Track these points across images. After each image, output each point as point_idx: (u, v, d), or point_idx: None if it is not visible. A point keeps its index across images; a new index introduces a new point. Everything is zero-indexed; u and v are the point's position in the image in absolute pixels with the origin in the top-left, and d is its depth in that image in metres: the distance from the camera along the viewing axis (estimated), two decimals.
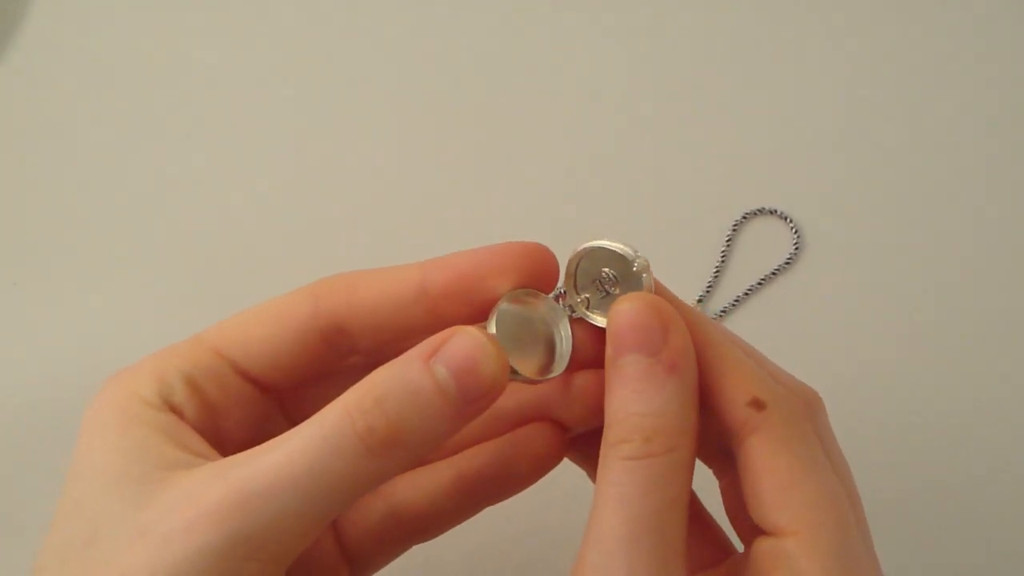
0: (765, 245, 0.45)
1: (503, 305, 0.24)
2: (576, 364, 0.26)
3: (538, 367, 0.25)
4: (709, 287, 0.44)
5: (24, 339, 0.44)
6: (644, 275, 0.25)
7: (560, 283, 0.26)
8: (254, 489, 0.21)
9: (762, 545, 0.23)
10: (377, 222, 0.47)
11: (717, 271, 0.44)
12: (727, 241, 0.45)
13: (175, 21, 0.54)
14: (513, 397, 0.27)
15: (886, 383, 0.41)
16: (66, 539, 0.22)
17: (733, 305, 0.44)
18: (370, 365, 0.23)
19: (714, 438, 0.25)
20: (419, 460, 0.23)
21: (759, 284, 0.44)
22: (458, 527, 0.28)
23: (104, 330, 0.44)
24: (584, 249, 0.25)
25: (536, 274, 0.25)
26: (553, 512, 0.37)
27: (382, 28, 0.53)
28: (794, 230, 0.45)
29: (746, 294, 0.44)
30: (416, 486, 0.27)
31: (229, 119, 0.50)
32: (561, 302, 0.26)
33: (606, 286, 0.25)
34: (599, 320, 0.25)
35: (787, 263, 0.44)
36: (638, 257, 0.25)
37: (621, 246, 0.25)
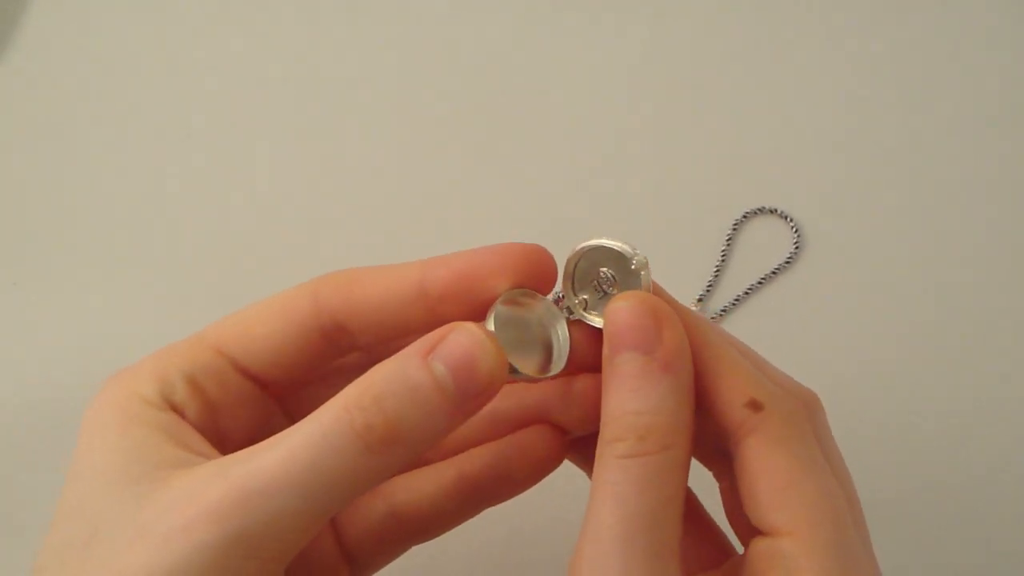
0: (765, 244, 0.45)
1: (500, 305, 0.24)
2: (576, 366, 0.26)
3: (536, 367, 0.25)
4: (709, 286, 0.44)
5: (24, 339, 0.44)
6: (643, 272, 0.25)
7: (558, 285, 0.26)
8: (255, 487, 0.21)
9: (759, 545, 0.23)
10: (377, 221, 0.47)
11: (717, 270, 0.44)
12: (727, 240, 0.45)
13: (175, 21, 0.54)
14: (514, 399, 0.27)
15: (886, 383, 0.41)
16: (66, 539, 0.22)
17: (733, 304, 0.44)
18: (369, 361, 0.23)
19: (712, 440, 0.25)
20: (418, 457, 0.23)
21: (759, 283, 0.44)
22: (458, 527, 0.28)
23: (104, 330, 0.44)
24: (582, 249, 0.25)
25: (535, 275, 0.25)
26: (553, 512, 0.37)
27: (382, 28, 0.53)
28: (794, 229, 0.45)
29: (746, 293, 0.44)
30: (416, 487, 0.27)
31: (229, 119, 0.50)
32: (559, 305, 0.26)
33: (604, 286, 0.25)
34: (597, 321, 0.25)
35: (787, 262, 0.44)
36: (636, 254, 0.25)
37: (619, 244, 0.25)
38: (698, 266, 0.44)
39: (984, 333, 0.42)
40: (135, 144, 0.50)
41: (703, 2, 0.52)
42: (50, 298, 0.45)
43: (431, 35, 0.52)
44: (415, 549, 0.28)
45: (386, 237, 0.46)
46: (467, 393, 0.22)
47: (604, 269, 0.25)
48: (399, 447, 0.22)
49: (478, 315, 0.24)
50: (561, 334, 0.26)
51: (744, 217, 0.46)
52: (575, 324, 0.26)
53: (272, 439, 0.22)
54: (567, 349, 0.25)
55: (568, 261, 0.26)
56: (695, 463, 0.26)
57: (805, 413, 0.24)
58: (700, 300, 0.44)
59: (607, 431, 0.23)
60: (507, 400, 0.27)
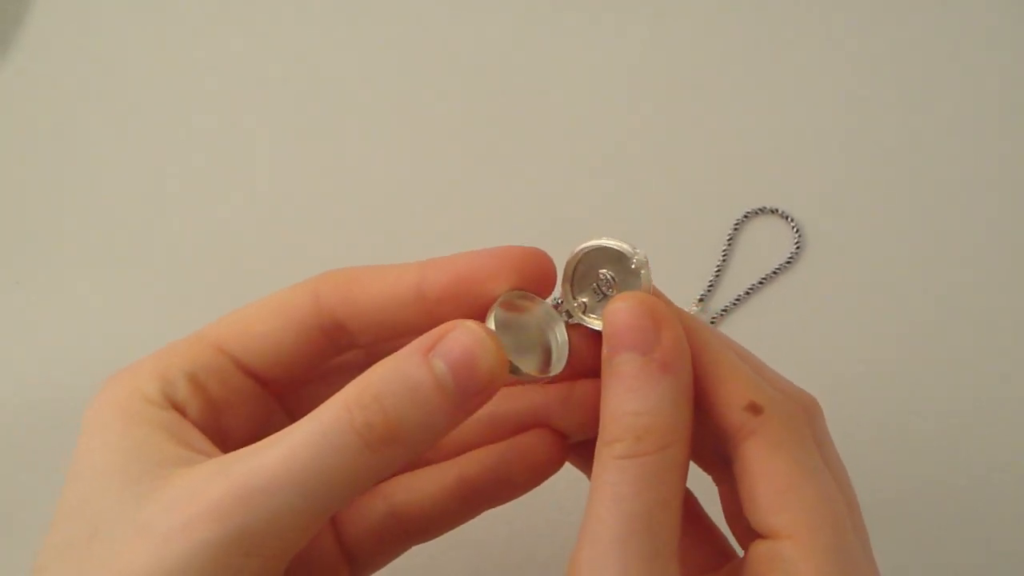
0: (766, 244, 0.45)
1: (498, 308, 0.24)
2: (576, 369, 0.26)
3: (534, 370, 0.25)
4: (710, 286, 0.44)
5: (25, 339, 0.44)
6: (643, 272, 0.25)
7: (557, 289, 0.26)
8: (256, 485, 0.21)
9: (759, 548, 0.23)
10: (377, 221, 0.47)
11: (718, 270, 0.44)
12: (728, 240, 0.45)
13: (176, 21, 0.54)
14: (515, 403, 0.27)
15: (886, 382, 0.41)
16: (66, 539, 0.22)
17: (734, 304, 0.44)
18: (369, 359, 0.23)
19: (712, 443, 0.25)
20: (418, 456, 0.23)
21: (760, 283, 0.44)
22: (458, 527, 0.28)
23: (104, 330, 0.44)
24: (582, 250, 0.25)
25: (533, 278, 0.25)
26: (552, 512, 0.37)
27: (382, 28, 0.53)
28: (795, 229, 0.45)
29: (747, 293, 0.44)
30: (417, 487, 0.27)
31: (230, 119, 0.50)
32: (558, 309, 0.26)
33: (603, 289, 0.25)
34: (595, 323, 0.25)
35: (788, 262, 0.44)
36: (637, 253, 0.25)
37: (620, 243, 0.25)
38: (699, 266, 0.44)
39: (984, 333, 0.42)
40: (135, 144, 0.50)
41: (703, 2, 0.52)
42: (51, 298, 0.45)
43: (431, 35, 0.52)
44: (415, 549, 0.28)
45: (386, 237, 0.46)
46: (467, 391, 0.22)
47: (604, 271, 0.25)
48: (399, 445, 0.22)
49: (476, 318, 0.24)
50: (559, 337, 0.25)
51: (745, 217, 0.46)
52: (574, 328, 0.26)
53: (273, 437, 0.22)
54: (566, 352, 0.25)
55: (567, 264, 0.26)
56: (694, 467, 0.26)
57: (805, 417, 0.24)
58: (701, 300, 0.44)
59: (605, 432, 0.23)
60: (508, 403, 0.27)
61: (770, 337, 0.43)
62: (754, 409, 0.23)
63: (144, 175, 0.49)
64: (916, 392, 0.41)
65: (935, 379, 0.41)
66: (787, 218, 0.45)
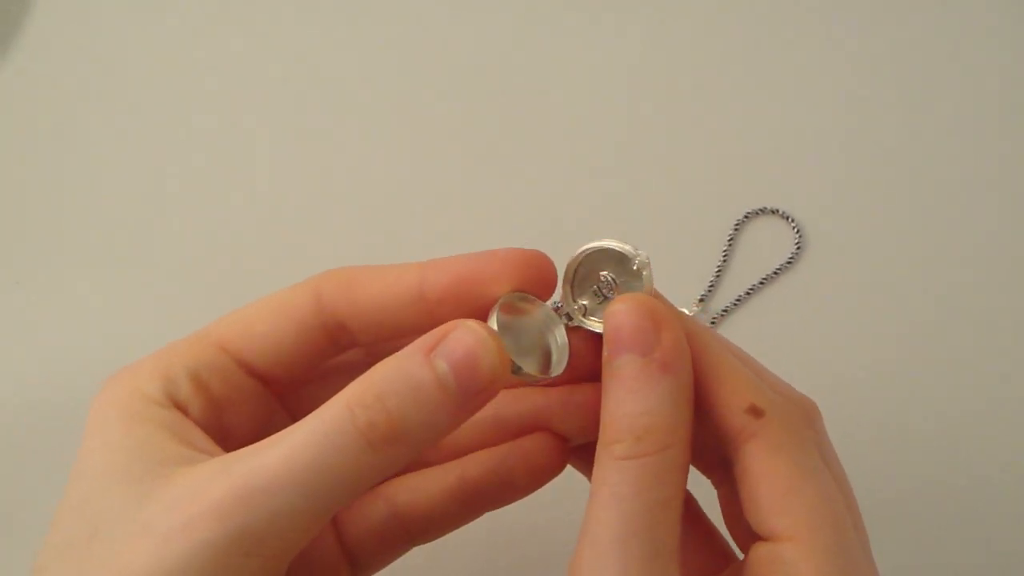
0: (767, 245, 0.45)
1: (499, 310, 0.24)
2: (576, 372, 0.26)
3: (534, 371, 0.25)
4: (711, 286, 0.44)
5: (25, 339, 0.44)
6: (645, 272, 0.24)
7: (557, 292, 0.26)
8: (257, 484, 0.21)
9: (760, 550, 0.23)
10: (377, 222, 0.47)
11: (719, 270, 0.44)
12: (729, 240, 0.45)
13: (177, 21, 0.54)
14: (516, 405, 0.27)
15: (887, 383, 0.41)
16: (66, 538, 0.22)
17: (735, 304, 0.44)
18: (371, 359, 0.23)
19: (712, 446, 0.25)
20: (420, 455, 0.23)
21: (761, 284, 0.44)
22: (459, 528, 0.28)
23: (104, 330, 0.44)
24: (582, 252, 0.25)
25: (534, 281, 0.25)
26: (553, 512, 0.37)
27: (382, 28, 0.53)
28: (796, 230, 0.45)
29: (748, 293, 0.44)
30: (418, 488, 0.27)
31: (230, 119, 0.50)
32: (559, 311, 0.26)
33: (604, 291, 0.25)
34: (596, 326, 0.25)
35: (789, 263, 0.44)
36: (638, 254, 0.25)
37: (621, 244, 0.25)
38: (699, 266, 0.45)
39: (984, 333, 0.42)
40: (135, 144, 0.50)
41: (703, 2, 0.52)
42: (51, 298, 0.45)
43: (431, 35, 0.52)
44: (415, 549, 0.28)
45: (386, 237, 0.46)
46: (469, 391, 0.22)
47: (604, 273, 0.25)
48: (401, 445, 0.22)
49: (477, 319, 0.24)
50: (559, 340, 0.25)
51: (745, 217, 0.46)
52: (574, 330, 0.26)
53: (275, 436, 0.22)
54: (566, 354, 0.25)
55: (568, 265, 0.25)
56: (693, 471, 0.26)
57: (805, 420, 0.24)
58: (701, 300, 0.44)
59: (605, 433, 0.23)
60: (510, 406, 0.27)
61: (771, 337, 0.43)
62: (755, 412, 0.23)
63: (144, 175, 0.49)
64: (916, 392, 0.41)
65: (935, 379, 0.41)
66: (787, 218, 0.45)
